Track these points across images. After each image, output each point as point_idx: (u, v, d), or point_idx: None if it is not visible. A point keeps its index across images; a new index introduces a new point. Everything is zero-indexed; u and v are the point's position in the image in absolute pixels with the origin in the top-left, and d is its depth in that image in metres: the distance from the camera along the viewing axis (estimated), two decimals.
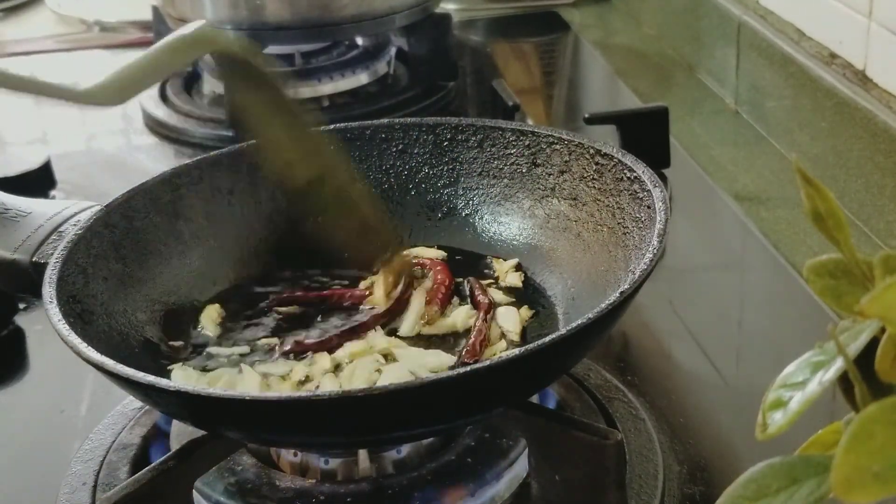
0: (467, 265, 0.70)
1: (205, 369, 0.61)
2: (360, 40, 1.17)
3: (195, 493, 0.56)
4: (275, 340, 0.63)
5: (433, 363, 0.59)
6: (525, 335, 0.63)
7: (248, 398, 0.48)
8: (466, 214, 0.71)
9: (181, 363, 0.61)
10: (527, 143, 0.69)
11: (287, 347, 0.62)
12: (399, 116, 0.75)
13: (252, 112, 0.62)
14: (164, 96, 1.16)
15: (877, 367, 0.31)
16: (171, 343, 0.63)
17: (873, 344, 0.31)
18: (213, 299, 0.67)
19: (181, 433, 0.60)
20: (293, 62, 1.12)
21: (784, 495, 0.31)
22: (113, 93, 0.55)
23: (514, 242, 0.69)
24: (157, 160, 1.04)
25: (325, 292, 0.67)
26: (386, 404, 0.48)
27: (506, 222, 0.70)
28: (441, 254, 0.70)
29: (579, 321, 0.50)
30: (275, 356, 0.62)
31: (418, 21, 1.11)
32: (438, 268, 0.67)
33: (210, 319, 0.65)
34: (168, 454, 0.54)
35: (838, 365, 0.32)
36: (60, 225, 0.68)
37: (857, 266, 0.33)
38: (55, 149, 1.09)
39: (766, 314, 0.77)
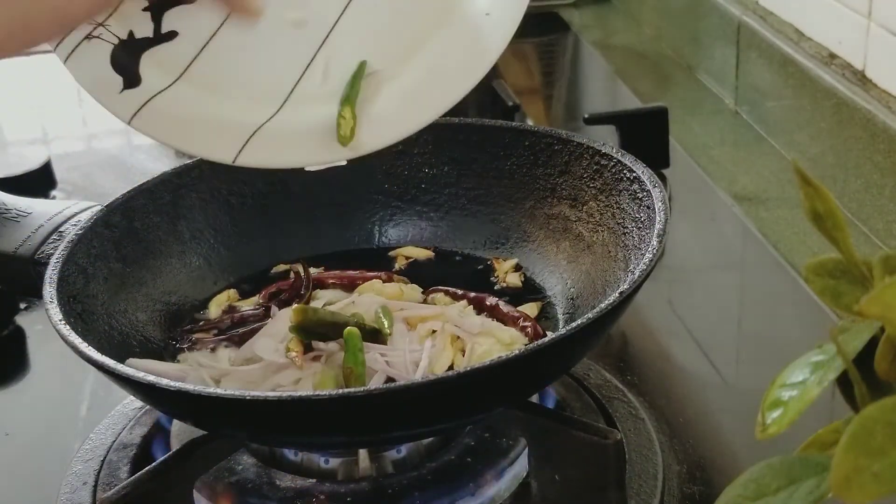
0: (467, 265, 0.70)
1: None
2: None
3: (195, 493, 0.56)
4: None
5: (507, 338, 0.61)
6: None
7: (248, 398, 0.48)
8: (466, 215, 0.71)
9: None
10: (527, 143, 0.69)
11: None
12: None
13: None
14: None
15: (876, 367, 0.31)
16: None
17: (873, 344, 0.32)
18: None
19: (181, 433, 0.60)
20: None
21: (783, 495, 0.31)
22: None
23: (514, 242, 0.69)
24: (157, 160, 1.04)
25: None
26: (386, 404, 0.48)
27: (506, 222, 0.70)
28: (429, 253, 0.71)
29: (579, 321, 0.50)
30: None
31: None
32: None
33: (217, 304, 0.66)
34: (168, 454, 0.54)
35: (838, 365, 0.32)
36: (61, 225, 0.68)
37: (856, 266, 0.33)
38: (55, 149, 1.10)
39: (766, 314, 0.77)
